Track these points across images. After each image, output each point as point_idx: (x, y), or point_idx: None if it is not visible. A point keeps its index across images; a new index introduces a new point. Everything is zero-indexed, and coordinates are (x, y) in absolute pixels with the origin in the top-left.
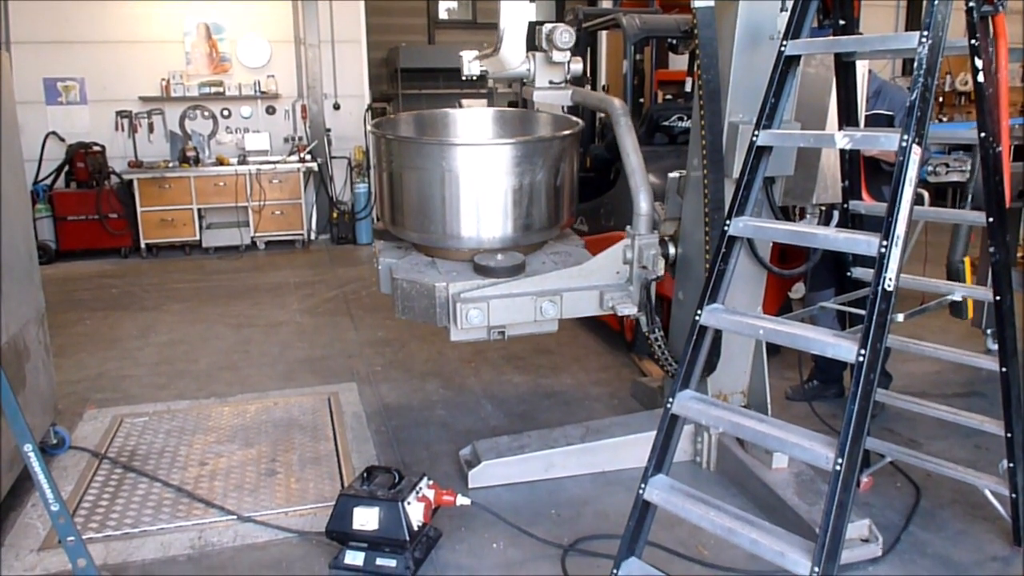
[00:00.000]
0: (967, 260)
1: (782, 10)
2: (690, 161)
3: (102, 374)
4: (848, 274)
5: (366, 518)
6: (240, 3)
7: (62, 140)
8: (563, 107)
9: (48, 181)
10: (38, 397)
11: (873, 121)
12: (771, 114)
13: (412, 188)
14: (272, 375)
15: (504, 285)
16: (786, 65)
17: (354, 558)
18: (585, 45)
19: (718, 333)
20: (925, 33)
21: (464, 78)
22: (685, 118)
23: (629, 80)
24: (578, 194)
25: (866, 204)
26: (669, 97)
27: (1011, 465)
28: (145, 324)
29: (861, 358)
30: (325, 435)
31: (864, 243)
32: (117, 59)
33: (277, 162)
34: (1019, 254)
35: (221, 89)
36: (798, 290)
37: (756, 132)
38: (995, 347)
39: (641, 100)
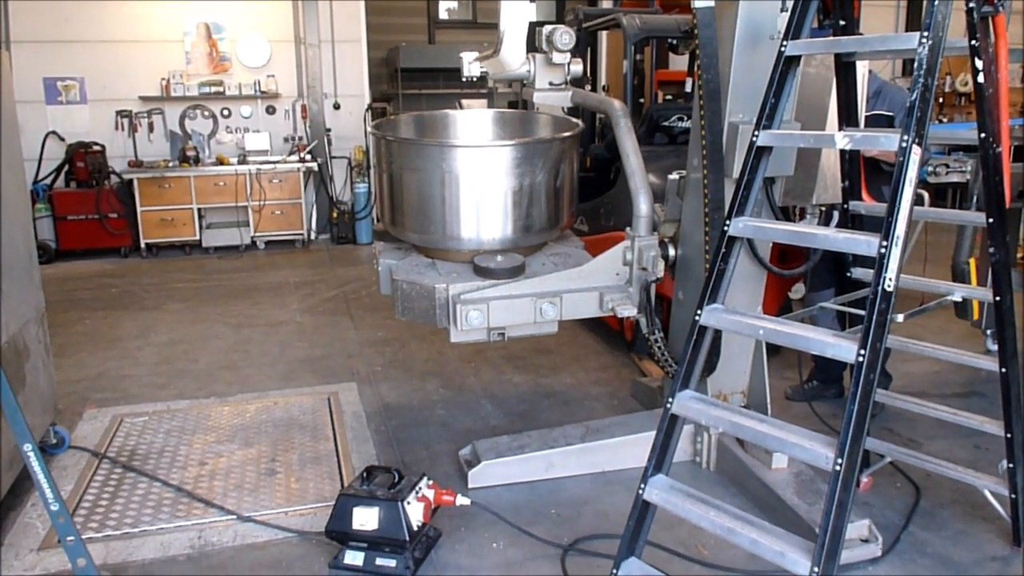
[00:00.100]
0: (972, 261)
1: (782, 10)
2: (690, 161)
3: (102, 374)
4: (848, 274)
5: (366, 518)
6: (240, 3)
7: (62, 140)
8: (563, 108)
9: (48, 181)
10: (38, 396)
11: (873, 121)
12: (771, 114)
13: (412, 189)
14: (272, 375)
15: (504, 286)
16: (786, 65)
17: (354, 558)
18: (585, 45)
19: (718, 333)
20: (925, 33)
21: (464, 79)
22: (685, 118)
23: (629, 80)
24: (578, 194)
25: (866, 204)
26: (669, 97)
27: (1011, 465)
28: (145, 324)
29: (861, 358)
30: (325, 435)
31: (864, 243)
32: (117, 58)
33: (277, 162)
34: (1019, 254)
35: (221, 89)
36: (798, 290)
37: (756, 132)
38: (995, 347)
39: (641, 100)
